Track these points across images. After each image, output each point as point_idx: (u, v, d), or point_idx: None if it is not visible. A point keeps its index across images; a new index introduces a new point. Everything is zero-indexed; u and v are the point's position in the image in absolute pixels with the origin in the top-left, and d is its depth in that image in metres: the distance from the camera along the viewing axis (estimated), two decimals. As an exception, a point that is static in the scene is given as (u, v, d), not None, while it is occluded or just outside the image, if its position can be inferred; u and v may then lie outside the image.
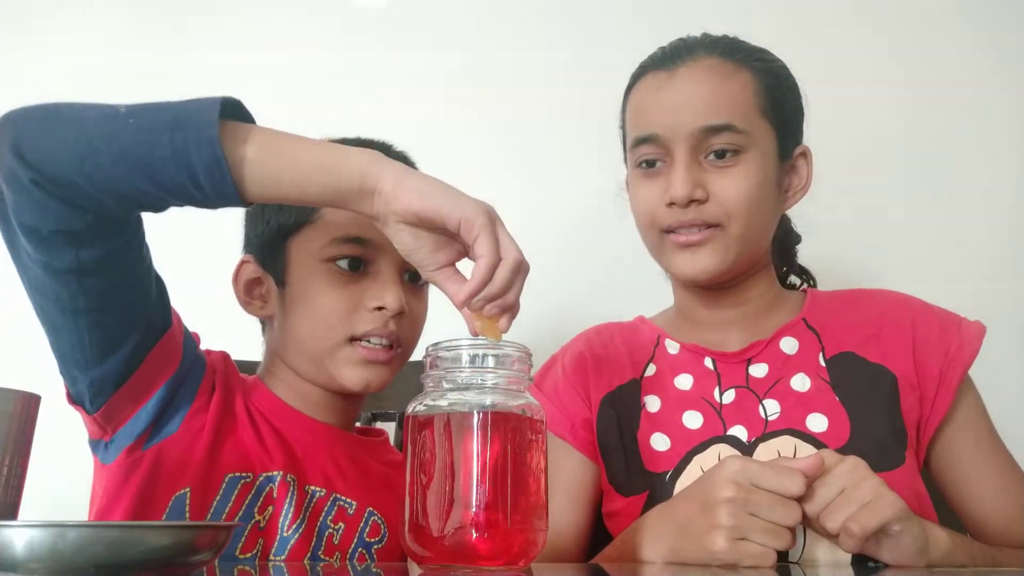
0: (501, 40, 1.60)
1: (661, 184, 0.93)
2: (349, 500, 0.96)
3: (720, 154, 0.91)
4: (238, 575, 0.69)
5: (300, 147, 0.75)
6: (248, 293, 0.99)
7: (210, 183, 0.71)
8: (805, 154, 0.98)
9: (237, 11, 1.65)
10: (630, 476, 0.94)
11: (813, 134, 1.01)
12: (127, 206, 0.75)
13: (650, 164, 0.95)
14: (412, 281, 0.97)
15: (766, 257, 1.00)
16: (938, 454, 0.94)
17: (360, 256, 0.93)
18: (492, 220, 0.72)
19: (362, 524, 0.96)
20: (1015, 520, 0.91)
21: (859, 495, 0.73)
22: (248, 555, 0.89)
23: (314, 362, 0.95)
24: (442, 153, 1.43)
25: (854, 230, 1.28)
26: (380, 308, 0.92)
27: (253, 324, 1.05)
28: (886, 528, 0.73)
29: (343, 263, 0.93)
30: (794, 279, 1.12)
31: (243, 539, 0.88)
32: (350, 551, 0.95)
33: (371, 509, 0.97)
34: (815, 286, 1.11)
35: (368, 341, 0.93)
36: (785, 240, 1.08)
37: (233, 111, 0.73)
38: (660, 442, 0.94)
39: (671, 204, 0.92)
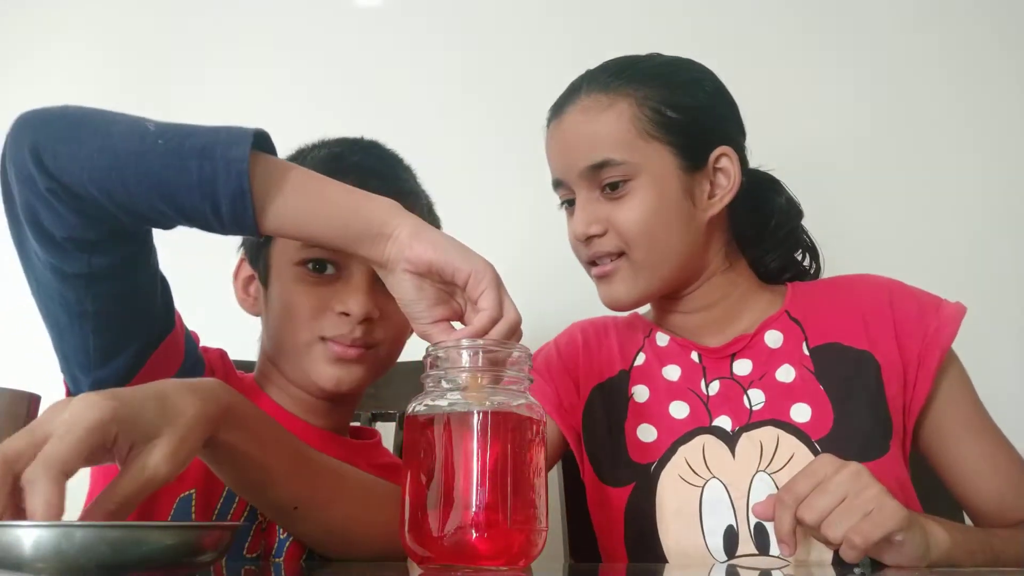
0: (502, 39, 1.60)
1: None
2: None
3: (613, 186, 0.95)
4: (244, 575, 0.69)
5: (324, 189, 0.75)
6: (244, 290, 1.01)
7: (231, 214, 0.71)
8: (727, 155, 0.97)
9: (237, 10, 1.65)
10: (616, 467, 0.96)
11: (784, 138, 1.03)
12: (139, 223, 0.75)
13: (570, 203, 1.00)
14: None
15: (715, 262, 1.00)
16: (927, 437, 0.95)
17: (328, 260, 0.92)
18: (498, 279, 0.74)
19: None
20: (1008, 497, 0.92)
21: (861, 504, 0.74)
22: (254, 555, 0.89)
23: (291, 361, 0.95)
24: (444, 151, 1.44)
25: (834, 234, 1.29)
26: (344, 313, 0.91)
27: (250, 324, 1.05)
28: (888, 538, 0.74)
29: (311, 265, 0.92)
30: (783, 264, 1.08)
31: (249, 538, 0.89)
32: None
33: None
34: (821, 268, 1.09)
35: (334, 341, 0.93)
36: (781, 222, 1.05)
37: (260, 142, 0.73)
38: (647, 433, 0.96)
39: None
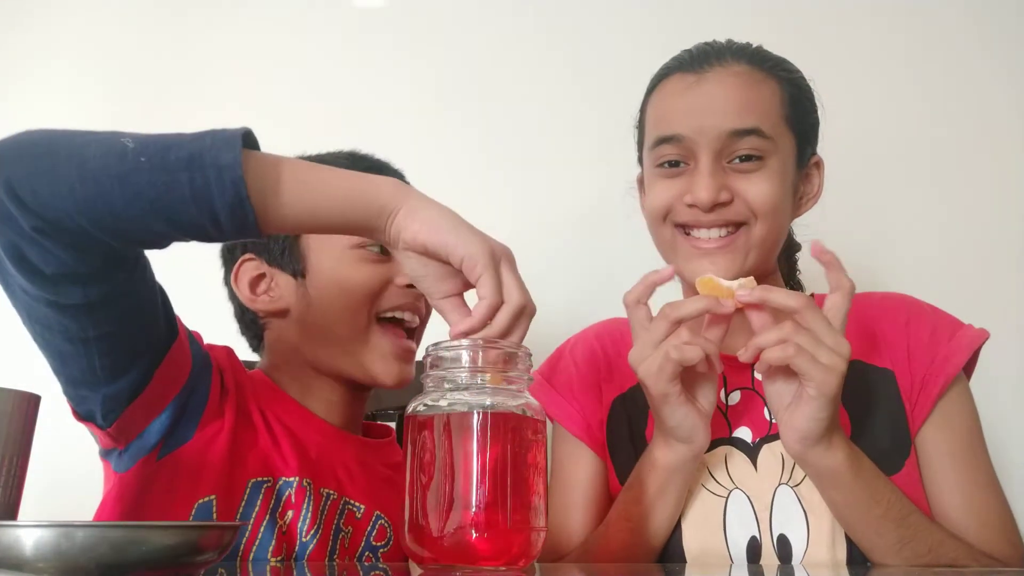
0: (502, 39, 1.60)
1: (682, 184, 0.92)
2: (357, 504, 0.96)
3: (744, 158, 0.90)
4: (270, 572, 0.69)
5: (321, 177, 0.72)
6: (252, 291, 0.99)
7: (231, 222, 0.68)
8: (818, 164, 0.99)
9: (236, 11, 1.65)
10: None
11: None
12: (132, 246, 0.73)
13: (672, 164, 0.93)
14: None
15: (775, 264, 1.00)
16: (918, 459, 0.92)
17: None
18: (496, 261, 0.71)
19: (369, 528, 0.97)
20: (970, 534, 0.87)
21: (812, 341, 0.76)
22: (278, 558, 0.88)
23: (346, 351, 0.95)
24: (445, 152, 1.44)
25: (858, 235, 1.29)
26: (409, 286, 0.94)
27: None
28: (802, 380, 0.77)
29: (374, 248, 0.95)
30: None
31: (273, 541, 0.88)
32: (358, 554, 0.95)
33: (378, 512, 0.98)
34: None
35: (396, 317, 0.96)
36: (787, 249, 1.08)
37: (246, 140, 0.70)
38: None
39: (692, 206, 0.91)
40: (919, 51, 1.53)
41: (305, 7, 1.64)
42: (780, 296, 0.79)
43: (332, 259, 0.96)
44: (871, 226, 1.46)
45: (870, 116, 1.51)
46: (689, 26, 1.01)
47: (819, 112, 1.00)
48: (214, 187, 0.66)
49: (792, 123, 0.94)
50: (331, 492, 0.94)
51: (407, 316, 0.97)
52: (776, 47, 1.00)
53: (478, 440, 0.66)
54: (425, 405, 0.69)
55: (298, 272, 0.97)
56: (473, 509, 0.65)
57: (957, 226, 1.47)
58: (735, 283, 0.82)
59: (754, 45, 0.99)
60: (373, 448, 1.03)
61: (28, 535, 0.50)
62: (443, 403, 0.69)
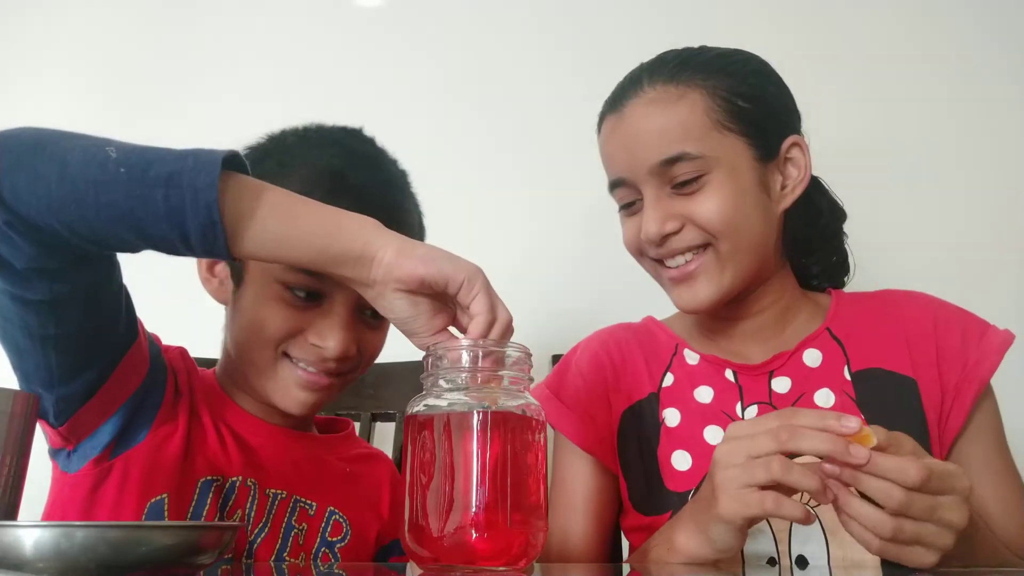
0: (503, 39, 1.60)
1: (639, 221, 0.94)
2: (309, 501, 0.97)
3: (682, 183, 0.90)
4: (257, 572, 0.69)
5: (300, 210, 0.72)
6: (209, 270, 0.98)
7: (202, 243, 0.68)
8: (799, 144, 0.95)
9: (237, 10, 1.65)
10: (650, 495, 0.93)
11: (821, 137, 1.00)
12: (103, 250, 0.74)
13: (627, 207, 0.96)
14: (374, 317, 0.93)
15: (774, 261, 0.97)
16: None
17: (316, 289, 0.89)
18: (488, 282, 0.73)
19: (323, 524, 0.97)
20: (1016, 541, 0.87)
21: (932, 510, 0.65)
22: (228, 556, 0.88)
23: (252, 374, 0.93)
24: (445, 154, 1.43)
25: (858, 235, 1.28)
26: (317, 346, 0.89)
27: (212, 321, 1.03)
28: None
29: (298, 291, 0.89)
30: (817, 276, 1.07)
31: None
32: (314, 550, 0.95)
33: (332, 508, 0.98)
34: (850, 277, 1.07)
35: (305, 366, 0.91)
36: (828, 223, 1.03)
37: (231, 162, 0.70)
38: (681, 460, 0.93)
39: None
40: (920, 50, 1.53)
41: (305, 6, 1.64)
42: (900, 465, 0.64)
43: (258, 284, 0.90)
44: (871, 226, 1.46)
45: (870, 115, 1.51)
46: (694, 27, 1.01)
47: (790, 93, 0.97)
48: (188, 208, 0.67)
49: (732, 124, 0.91)
50: (279, 492, 0.95)
51: (310, 371, 0.90)
52: (777, 46, 0.99)
53: (478, 440, 0.66)
54: (425, 405, 0.70)
55: (237, 278, 0.94)
56: (473, 509, 0.65)
57: (959, 226, 1.47)
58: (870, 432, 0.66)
59: (682, 49, 0.97)
60: (327, 444, 1.03)
61: (28, 535, 0.50)
62: (443, 403, 0.69)
